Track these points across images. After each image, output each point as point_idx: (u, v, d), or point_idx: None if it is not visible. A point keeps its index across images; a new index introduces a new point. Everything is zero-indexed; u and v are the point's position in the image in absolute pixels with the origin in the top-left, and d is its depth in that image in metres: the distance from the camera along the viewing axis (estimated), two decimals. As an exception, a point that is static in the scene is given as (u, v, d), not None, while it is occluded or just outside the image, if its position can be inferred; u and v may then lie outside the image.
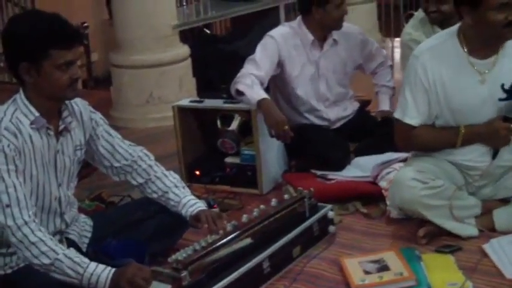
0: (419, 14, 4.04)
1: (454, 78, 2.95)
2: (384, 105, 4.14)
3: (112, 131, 2.86)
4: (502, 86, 2.93)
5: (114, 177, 2.90)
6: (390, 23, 7.56)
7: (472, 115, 2.97)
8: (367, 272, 2.74)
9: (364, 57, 4.08)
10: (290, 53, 3.86)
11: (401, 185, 2.99)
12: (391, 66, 4.22)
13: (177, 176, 2.93)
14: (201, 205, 2.85)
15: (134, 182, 2.89)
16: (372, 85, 4.26)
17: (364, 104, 4.36)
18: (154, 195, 2.88)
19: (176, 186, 2.88)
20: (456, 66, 2.95)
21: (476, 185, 3.12)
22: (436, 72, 2.95)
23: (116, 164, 2.84)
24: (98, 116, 2.81)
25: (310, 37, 3.87)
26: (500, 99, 2.94)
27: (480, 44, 2.93)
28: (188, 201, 2.84)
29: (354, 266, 2.80)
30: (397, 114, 3.08)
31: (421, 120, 3.02)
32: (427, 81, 2.97)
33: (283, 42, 3.84)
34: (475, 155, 3.04)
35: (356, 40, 4.03)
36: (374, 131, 3.95)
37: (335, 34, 3.93)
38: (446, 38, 3.01)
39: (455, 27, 3.02)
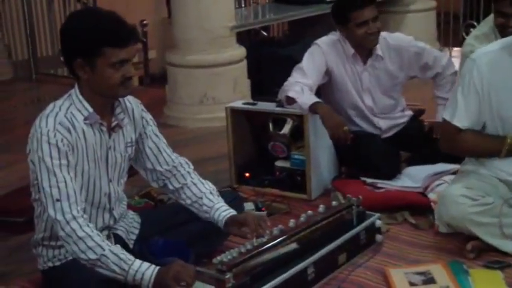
0: (483, 27, 3.92)
1: (509, 86, 2.90)
2: (439, 117, 4.08)
3: (159, 134, 2.87)
4: None
5: (153, 182, 2.90)
6: (449, 33, 7.46)
7: None
8: (412, 284, 2.72)
9: (419, 68, 3.97)
10: (337, 62, 3.84)
11: (450, 202, 2.96)
12: (455, 73, 4.01)
13: (212, 185, 2.92)
14: (234, 212, 2.82)
15: (171, 187, 2.87)
16: (426, 94, 4.21)
17: (418, 113, 4.31)
18: (188, 201, 2.86)
19: (211, 193, 2.86)
20: None
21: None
22: (491, 77, 2.89)
23: (158, 168, 2.84)
24: (148, 116, 2.83)
25: (351, 50, 3.84)
26: None
27: None
28: (221, 207, 2.82)
29: (399, 277, 2.77)
30: (445, 115, 3.03)
31: (469, 124, 2.96)
32: (481, 85, 2.91)
33: (330, 51, 3.82)
34: None
35: (409, 53, 3.90)
36: (427, 141, 3.90)
37: (380, 49, 3.85)
38: (505, 46, 2.96)
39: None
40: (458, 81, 3.13)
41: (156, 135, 2.84)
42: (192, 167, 2.91)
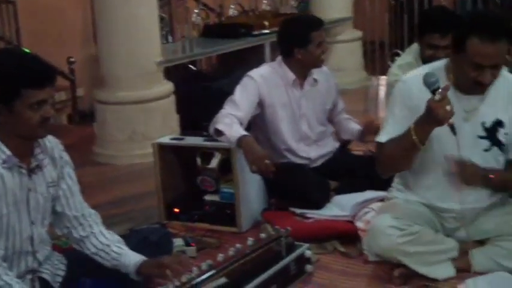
0: (406, 56, 4.02)
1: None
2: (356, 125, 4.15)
3: (74, 178, 2.77)
4: (483, 124, 2.97)
5: (57, 229, 2.79)
6: (375, 61, 7.62)
7: (442, 145, 2.95)
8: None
9: (336, 97, 4.13)
10: (271, 93, 3.88)
11: (378, 233, 3.01)
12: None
13: (120, 238, 2.82)
14: (145, 258, 2.72)
15: (76, 235, 2.75)
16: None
17: (345, 142, 4.37)
18: (93, 250, 2.73)
19: (119, 242, 2.76)
20: None
21: (451, 228, 3.12)
22: (421, 97, 2.87)
23: (67, 212, 2.72)
24: (67, 157, 2.75)
25: (292, 76, 3.90)
26: (481, 137, 2.98)
27: (466, 81, 2.89)
28: (132, 254, 2.72)
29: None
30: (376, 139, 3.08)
31: (389, 138, 2.99)
32: (411, 102, 2.95)
33: (263, 83, 3.86)
34: (442, 193, 3.03)
35: (333, 79, 4.12)
36: (355, 170, 3.95)
37: (315, 73, 3.96)
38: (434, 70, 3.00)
39: (442, 62, 3.03)
40: (387, 108, 3.19)
41: (71, 178, 2.75)
42: (100, 219, 2.82)
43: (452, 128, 2.77)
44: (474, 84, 2.86)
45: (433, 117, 2.77)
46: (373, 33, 7.69)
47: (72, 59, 6.83)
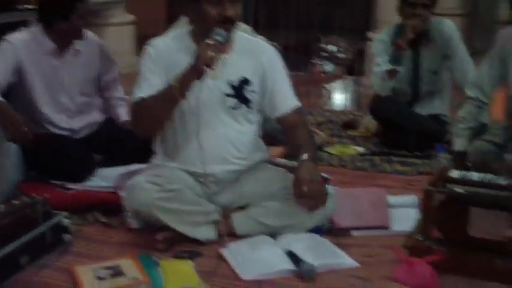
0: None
1: (182, 65, 2.90)
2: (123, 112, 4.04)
3: None
4: (230, 82, 3.03)
5: None
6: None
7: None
8: (100, 278, 2.60)
9: (102, 67, 3.96)
10: (29, 60, 3.63)
11: (137, 189, 2.92)
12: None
13: None
14: None
15: None
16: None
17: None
18: None
19: None
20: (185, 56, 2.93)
21: (212, 192, 3.12)
22: (171, 58, 2.99)
23: None
24: None
25: (52, 45, 3.68)
26: (228, 95, 3.04)
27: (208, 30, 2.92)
28: None
29: (87, 274, 2.64)
30: (132, 99, 3.03)
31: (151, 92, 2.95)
32: (162, 62, 3.01)
33: (22, 48, 3.62)
34: (191, 157, 3.05)
35: (98, 49, 3.92)
36: (121, 143, 3.82)
37: (79, 43, 3.77)
38: (176, 35, 3.13)
39: (184, 30, 3.11)
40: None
41: None
42: None
43: (202, 74, 2.79)
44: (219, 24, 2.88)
45: (195, 58, 2.78)
46: (148, 17, 7.62)
47: None
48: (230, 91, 3.05)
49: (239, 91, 3.07)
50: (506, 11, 9.14)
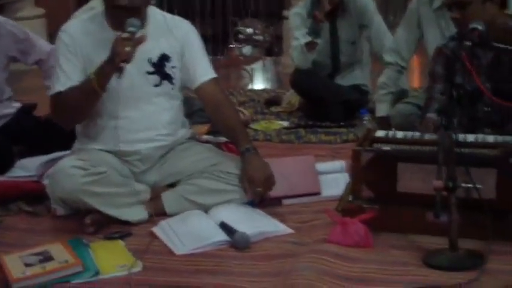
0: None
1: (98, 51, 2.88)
2: None
3: None
4: (150, 60, 2.99)
5: None
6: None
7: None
8: (28, 265, 2.50)
9: (18, 50, 3.82)
10: None
11: (61, 175, 2.83)
12: None
13: None
14: None
15: None
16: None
17: (30, 107, 4.09)
18: None
19: None
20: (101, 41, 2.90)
21: (139, 171, 3.06)
22: (84, 42, 2.95)
23: None
24: None
25: None
26: (149, 73, 3.00)
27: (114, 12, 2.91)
28: None
29: (14, 261, 2.54)
30: (51, 92, 2.96)
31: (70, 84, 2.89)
32: (75, 49, 2.94)
33: None
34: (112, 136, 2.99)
35: (5, 30, 3.75)
36: (38, 132, 3.71)
37: None
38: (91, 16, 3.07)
39: (99, 10, 3.04)
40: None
41: None
42: None
43: (120, 70, 2.71)
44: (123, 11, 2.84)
45: (111, 53, 2.72)
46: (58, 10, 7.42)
47: None
48: (151, 69, 3.00)
49: (160, 68, 3.02)
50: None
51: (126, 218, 2.91)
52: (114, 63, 2.71)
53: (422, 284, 2.33)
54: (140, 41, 2.77)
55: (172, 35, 3.07)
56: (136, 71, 2.93)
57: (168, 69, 3.04)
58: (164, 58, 3.03)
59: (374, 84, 4.49)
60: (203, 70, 3.11)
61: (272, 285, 2.36)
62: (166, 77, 3.04)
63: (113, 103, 2.96)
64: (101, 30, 2.96)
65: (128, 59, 2.71)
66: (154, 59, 3.01)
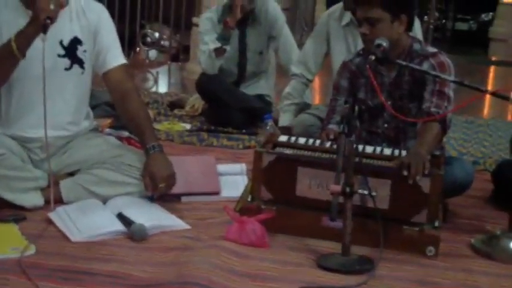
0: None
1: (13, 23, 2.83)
2: None
3: None
4: (61, 42, 2.95)
5: None
6: None
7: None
8: None
9: None
10: None
11: None
12: None
13: None
14: None
15: None
16: None
17: None
18: None
19: None
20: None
21: (39, 159, 3.01)
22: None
23: None
24: None
25: None
26: (61, 56, 2.96)
27: None
28: None
29: None
30: None
31: None
32: None
33: None
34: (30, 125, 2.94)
35: None
36: None
37: None
38: None
39: None
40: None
41: None
42: None
43: (45, 28, 2.67)
44: None
45: (34, 11, 2.67)
46: None
47: None
48: (62, 51, 2.96)
49: (71, 51, 2.98)
50: (323, 6, 9.64)
51: (20, 203, 2.85)
52: (39, 20, 2.65)
53: (315, 284, 2.39)
54: (62, 3, 2.72)
55: (85, 17, 3.02)
56: (47, 53, 2.82)
57: (80, 53, 3.00)
58: (76, 41, 2.99)
59: (278, 96, 4.58)
60: (114, 55, 3.08)
61: (166, 275, 2.37)
62: (78, 61, 3.00)
63: (20, 85, 2.90)
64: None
65: (52, 17, 2.67)
66: (66, 41, 2.96)
